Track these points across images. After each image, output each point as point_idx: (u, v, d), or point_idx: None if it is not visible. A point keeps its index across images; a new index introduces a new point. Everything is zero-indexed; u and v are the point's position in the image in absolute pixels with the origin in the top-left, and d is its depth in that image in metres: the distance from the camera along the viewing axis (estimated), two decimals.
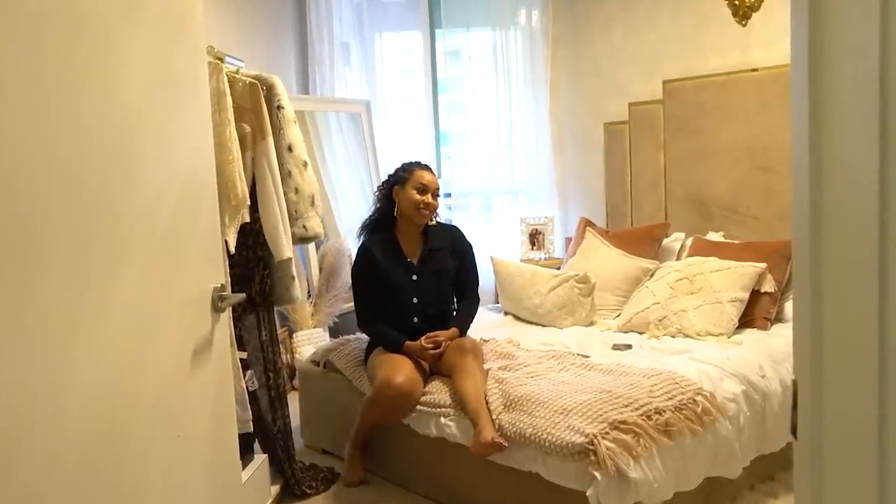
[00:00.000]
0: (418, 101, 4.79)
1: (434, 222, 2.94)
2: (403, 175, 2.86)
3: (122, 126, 1.22)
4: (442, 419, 2.49)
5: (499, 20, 4.53)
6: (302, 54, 4.63)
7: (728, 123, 3.67)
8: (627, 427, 2.11)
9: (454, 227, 3.06)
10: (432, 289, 2.85)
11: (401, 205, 2.84)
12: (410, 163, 2.91)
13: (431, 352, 2.70)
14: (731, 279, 3.08)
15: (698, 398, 2.29)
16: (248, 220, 2.32)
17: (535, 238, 4.55)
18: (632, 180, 4.20)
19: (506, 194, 4.77)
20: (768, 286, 3.10)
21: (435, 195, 2.85)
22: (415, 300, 2.83)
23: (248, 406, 2.32)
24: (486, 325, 3.46)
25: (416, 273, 2.83)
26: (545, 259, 4.48)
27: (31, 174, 0.99)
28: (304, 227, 2.53)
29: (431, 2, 4.62)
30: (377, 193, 2.95)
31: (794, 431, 0.79)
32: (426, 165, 2.92)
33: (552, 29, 4.52)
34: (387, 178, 2.94)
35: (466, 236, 2.99)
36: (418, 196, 2.81)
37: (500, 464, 2.28)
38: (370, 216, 2.95)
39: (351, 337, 3.23)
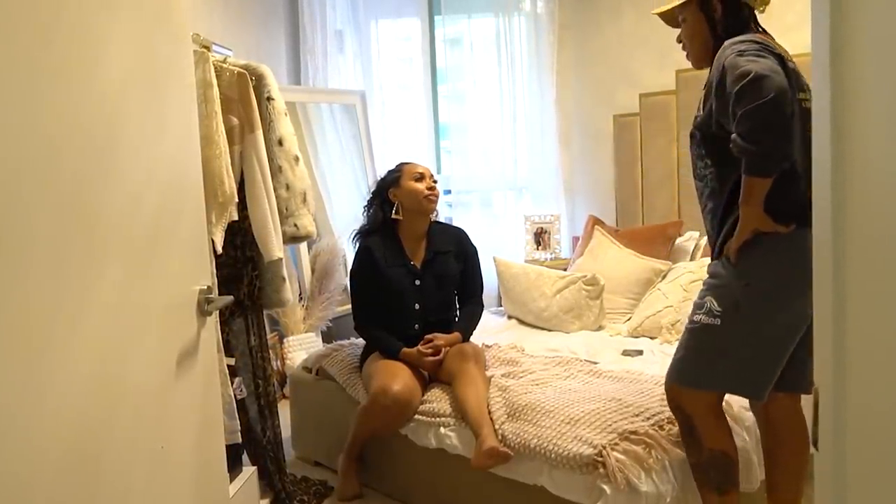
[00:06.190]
0: (416, 91, 4.79)
1: (435, 215, 2.97)
2: (395, 175, 2.90)
3: (101, 119, 1.22)
4: (442, 429, 2.49)
5: (502, 5, 4.53)
6: (293, 43, 4.63)
7: None
8: (638, 438, 2.12)
9: (460, 228, 3.08)
10: (435, 294, 2.86)
11: (404, 202, 2.85)
12: (394, 166, 2.96)
13: (429, 359, 2.70)
14: None
15: None
16: (235, 218, 2.32)
17: (541, 237, 4.56)
18: (643, 176, 4.20)
19: (509, 191, 4.77)
20: None
21: (433, 181, 2.89)
22: (417, 306, 2.83)
23: (236, 415, 2.32)
24: (488, 329, 3.47)
25: (418, 277, 2.84)
26: (551, 259, 4.48)
27: (2, 170, 0.98)
28: (296, 225, 2.53)
29: None
30: (369, 203, 2.97)
31: (814, 443, 0.79)
32: (410, 161, 2.98)
33: (558, 14, 4.52)
34: (376, 187, 2.98)
35: (472, 239, 3.01)
36: (420, 185, 2.83)
37: (504, 476, 2.28)
38: (368, 222, 2.95)
39: (345, 342, 3.23)
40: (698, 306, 1.97)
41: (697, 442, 1.99)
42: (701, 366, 1.95)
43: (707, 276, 2.02)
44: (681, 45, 2.13)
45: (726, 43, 1.88)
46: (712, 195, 1.98)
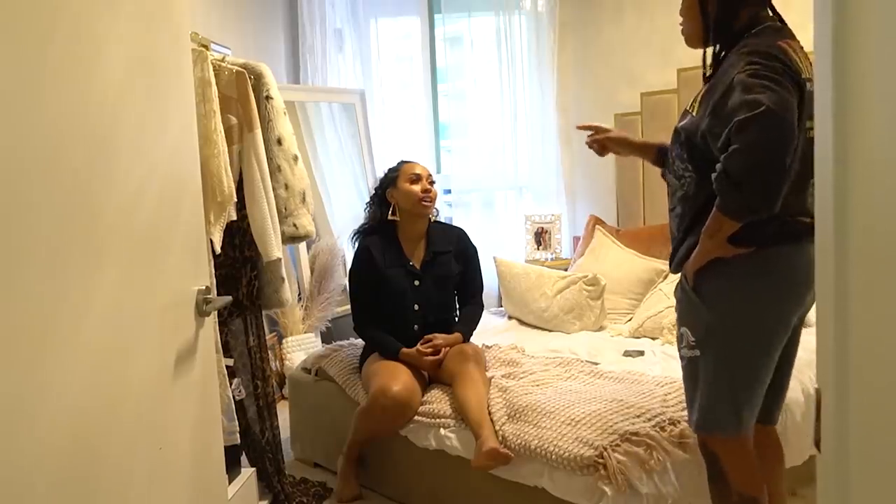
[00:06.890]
0: (416, 90, 4.79)
1: (434, 217, 2.97)
2: (393, 175, 2.90)
3: (100, 118, 1.22)
4: (441, 430, 2.49)
5: (502, 4, 4.53)
6: (292, 41, 4.63)
7: None
8: (639, 439, 2.12)
9: (459, 228, 3.08)
10: (435, 295, 2.86)
11: (401, 204, 2.85)
12: (395, 164, 2.96)
13: (429, 359, 2.70)
14: None
15: None
16: (234, 217, 2.32)
17: (541, 237, 4.56)
18: (644, 175, 4.19)
19: (510, 190, 4.76)
20: None
21: (430, 182, 2.88)
22: (416, 307, 2.83)
23: (235, 416, 2.32)
24: (488, 329, 3.47)
25: (418, 278, 2.84)
26: (552, 260, 4.48)
27: (2, 169, 0.99)
28: (295, 225, 2.53)
29: None
30: (371, 200, 2.98)
31: (817, 444, 0.79)
32: (410, 160, 2.97)
33: (559, 13, 4.52)
34: (376, 186, 2.98)
35: (472, 239, 3.01)
36: (415, 187, 2.83)
37: (504, 478, 2.28)
38: (366, 222, 2.96)
39: (344, 343, 3.23)
40: (679, 339, 1.89)
41: (724, 485, 1.83)
42: (698, 401, 1.85)
43: (675, 300, 1.93)
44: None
45: (744, 49, 1.72)
46: (685, 199, 1.87)
